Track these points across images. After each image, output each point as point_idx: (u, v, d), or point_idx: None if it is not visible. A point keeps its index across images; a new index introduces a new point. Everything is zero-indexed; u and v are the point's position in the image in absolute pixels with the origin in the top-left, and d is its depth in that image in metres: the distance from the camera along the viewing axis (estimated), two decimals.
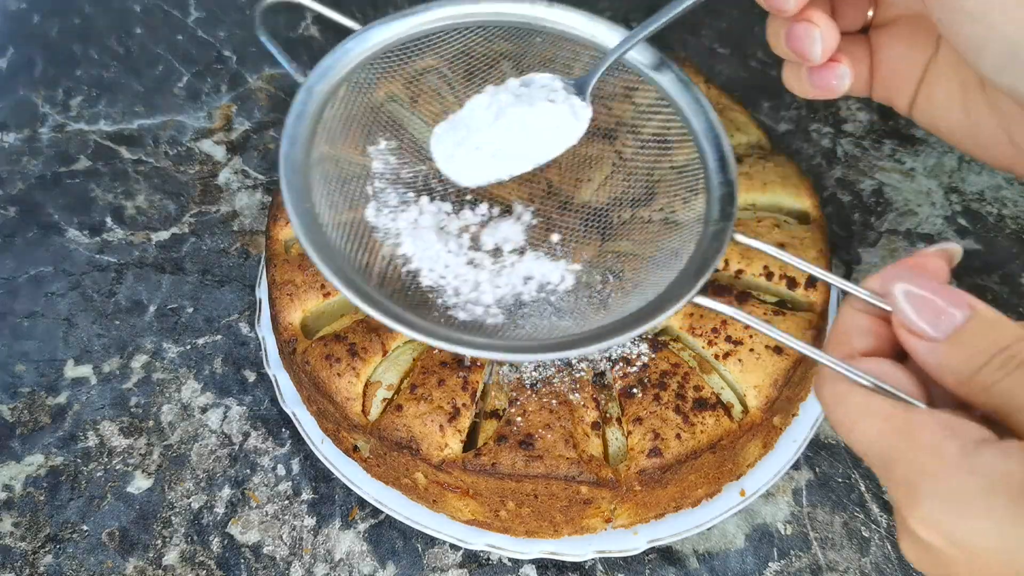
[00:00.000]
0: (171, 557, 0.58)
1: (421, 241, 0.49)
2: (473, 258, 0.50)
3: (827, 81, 0.43)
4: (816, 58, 0.42)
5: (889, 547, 0.58)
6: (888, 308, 0.32)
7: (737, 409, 0.55)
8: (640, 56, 0.50)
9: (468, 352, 0.40)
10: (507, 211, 0.53)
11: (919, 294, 0.31)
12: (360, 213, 0.48)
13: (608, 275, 0.50)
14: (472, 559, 0.58)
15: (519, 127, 0.47)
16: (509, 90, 0.49)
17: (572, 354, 0.40)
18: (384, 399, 0.55)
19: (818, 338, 0.57)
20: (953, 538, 0.28)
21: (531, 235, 0.52)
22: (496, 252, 0.51)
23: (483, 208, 0.53)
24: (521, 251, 0.51)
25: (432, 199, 0.52)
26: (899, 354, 0.32)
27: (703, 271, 0.39)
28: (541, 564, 0.57)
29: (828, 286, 0.59)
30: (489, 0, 0.51)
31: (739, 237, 0.40)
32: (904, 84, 0.44)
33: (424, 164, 0.53)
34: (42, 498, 0.60)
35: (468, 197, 0.53)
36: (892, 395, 0.31)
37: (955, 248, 0.34)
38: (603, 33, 0.50)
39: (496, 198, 0.53)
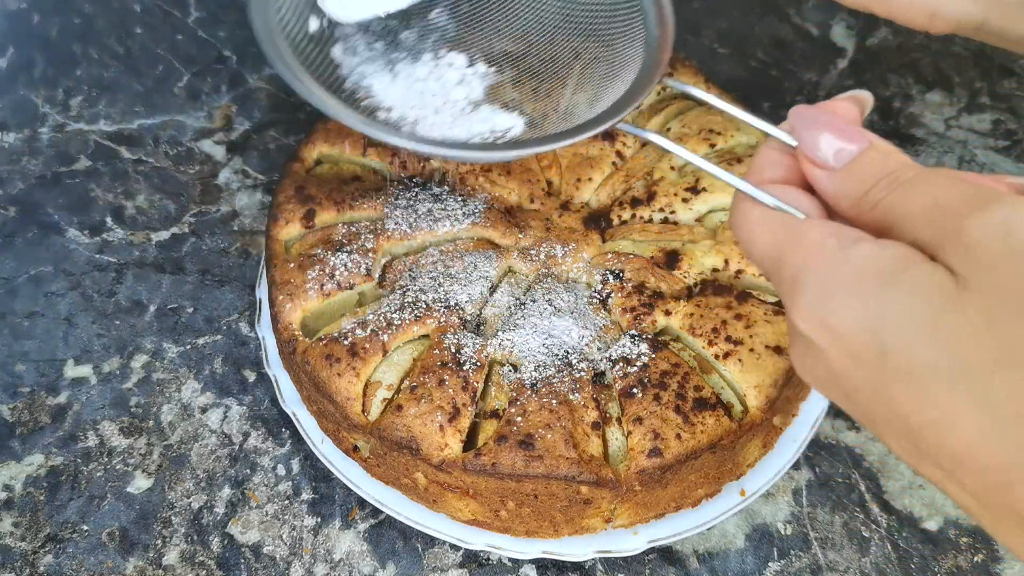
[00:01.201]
0: (171, 557, 0.58)
1: (388, 84, 0.51)
2: (438, 106, 0.52)
3: None
4: None
5: (889, 547, 0.58)
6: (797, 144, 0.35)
7: (737, 409, 0.55)
8: None
9: (413, 148, 0.43)
10: (472, 66, 0.54)
11: (823, 131, 0.34)
12: (326, 50, 0.49)
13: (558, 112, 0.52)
14: (472, 559, 0.58)
15: None
16: None
17: (512, 155, 0.46)
18: (384, 399, 0.55)
19: None
20: (825, 323, 0.30)
21: (494, 89, 0.53)
22: (457, 102, 0.52)
23: (450, 59, 0.54)
24: (477, 104, 0.52)
25: (405, 49, 0.53)
26: (806, 187, 0.35)
27: (632, 101, 0.44)
28: (541, 564, 0.57)
29: None
30: None
31: (668, 81, 0.44)
32: None
33: (395, 19, 0.54)
34: (42, 498, 0.60)
35: (441, 51, 0.54)
36: (792, 214, 0.34)
37: (866, 95, 0.37)
38: None
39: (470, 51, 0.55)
